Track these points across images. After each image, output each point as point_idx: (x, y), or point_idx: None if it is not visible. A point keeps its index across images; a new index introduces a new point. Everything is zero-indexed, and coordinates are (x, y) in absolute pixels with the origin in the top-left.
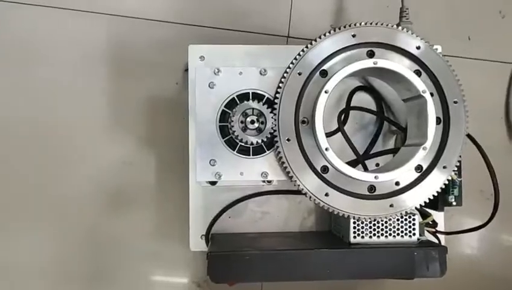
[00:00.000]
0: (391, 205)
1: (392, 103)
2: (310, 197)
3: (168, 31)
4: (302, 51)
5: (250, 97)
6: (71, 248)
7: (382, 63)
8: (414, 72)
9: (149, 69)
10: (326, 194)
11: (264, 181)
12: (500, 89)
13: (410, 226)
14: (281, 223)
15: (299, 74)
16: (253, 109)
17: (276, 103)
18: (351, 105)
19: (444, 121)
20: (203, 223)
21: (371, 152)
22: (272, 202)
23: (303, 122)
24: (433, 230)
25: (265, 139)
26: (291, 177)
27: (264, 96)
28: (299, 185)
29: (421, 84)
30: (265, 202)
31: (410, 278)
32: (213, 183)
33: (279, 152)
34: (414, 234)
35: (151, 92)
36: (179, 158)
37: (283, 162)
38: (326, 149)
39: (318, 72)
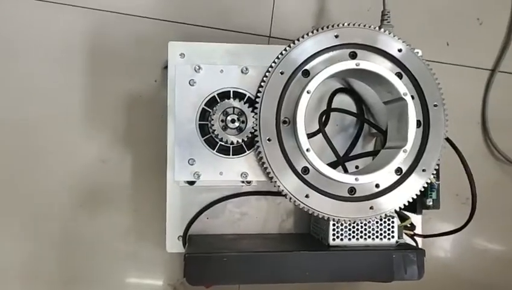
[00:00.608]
0: (371, 207)
1: (373, 105)
2: (290, 198)
3: (149, 27)
4: (285, 50)
5: (231, 96)
6: (43, 248)
7: (364, 64)
8: (395, 74)
9: (127, 66)
10: (307, 196)
11: (243, 182)
12: (476, 95)
13: (389, 229)
14: (260, 224)
15: (281, 73)
16: (234, 107)
17: (258, 102)
18: (332, 107)
19: (424, 124)
20: (180, 224)
21: (351, 154)
22: (250, 203)
23: (284, 122)
24: (411, 233)
25: (245, 139)
26: (271, 177)
27: (245, 95)
28: (279, 186)
29: (402, 86)
30: (244, 203)
31: (388, 281)
32: (191, 183)
33: (259, 152)
34: (393, 237)
35: (129, 89)
36: (156, 157)
37: (263, 163)
38: (307, 150)
39: (300, 72)
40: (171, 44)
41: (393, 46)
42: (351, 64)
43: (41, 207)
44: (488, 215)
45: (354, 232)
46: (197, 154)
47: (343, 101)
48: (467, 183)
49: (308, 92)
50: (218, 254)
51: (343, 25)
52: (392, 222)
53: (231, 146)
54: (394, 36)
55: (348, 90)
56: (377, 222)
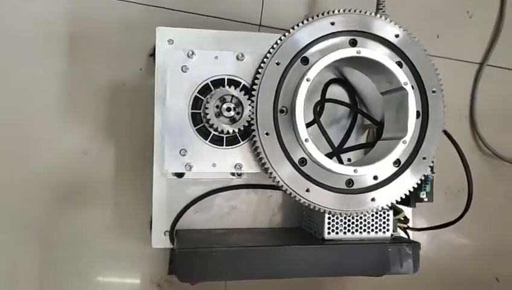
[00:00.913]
0: (373, 199)
1: (366, 96)
2: (290, 193)
3: (134, 12)
4: (283, 37)
5: (226, 83)
6: (21, 244)
7: (365, 52)
8: (396, 63)
9: (111, 52)
10: (307, 190)
11: (233, 174)
12: (465, 89)
13: (384, 222)
14: (250, 218)
15: (278, 62)
16: (230, 95)
17: (254, 90)
18: (326, 98)
19: (423, 112)
20: (166, 219)
21: (345, 146)
22: (240, 197)
23: (281, 111)
24: (405, 226)
25: (241, 128)
26: (267, 169)
27: (241, 83)
28: (276, 179)
29: (402, 76)
30: (233, 197)
31: (381, 275)
32: (180, 175)
33: (255, 143)
34: (388, 230)
35: (113, 77)
36: (140, 149)
37: (259, 154)
38: (305, 140)
39: (299, 60)
40: (159, 29)
41: (390, 31)
42: (351, 51)
43: (19, 202)
44: (472, 209)
45: (349, 225)
46: (189, 144)
47: (336, 92)
48: (454, 176)
49: (307, 80)
50: (208, 249)
51: (338, 11)
52: (388, 215)
53: (225, 136)
54: (391, 21)
55: (342, 80)
56: (372, 215)
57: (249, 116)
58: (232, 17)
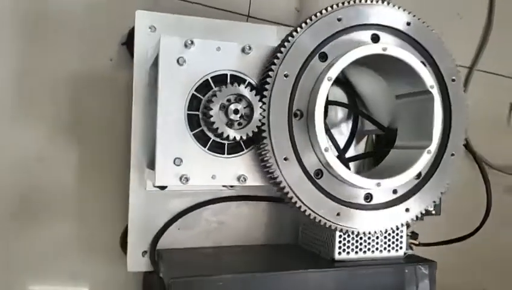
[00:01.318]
0: (394, 216)
1: (369, 99)
2: (320, 220)
3: None
4: (300, 28)
5: (228, 80)
6: None
7: (392, 50)
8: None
9: (76, 40)
10: (338, 214)
11: (224, 185)
12: None
13: (397, 239)
14: (240, 234)
15: (293, 59)
16: (239, 96)
17: (265, 90)
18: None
19: (445, 115)
20: (145, 237)
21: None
22: (230, 210)
23: (295, 115)
24: (416, 242)
25: (250, 134)
26: (279, 184)
27: (245, 80)
28: (296, 203)
29: (429, 78)
30: (222, 210)
31: None
32: (163, 187)
33: (264, 151)
34: (401, 248)
35: (77, 68)
36: (111, 154)
37: (269, 166)
38: (325, 149)
39: (317, 56)
40: (139, 13)
41: (401, 19)
42: (376, 49)
43: None
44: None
45: (360, 244)
46: (184, 152)
47: (336, 94)
48: None
49: (329, 79)
50: (211, 277)
51: (348, 2)
52: (401, 232)
53: (226, 143)
54: (399, 8)
55: (342, 82)
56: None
57: (260, 120)
58: (220, 5)
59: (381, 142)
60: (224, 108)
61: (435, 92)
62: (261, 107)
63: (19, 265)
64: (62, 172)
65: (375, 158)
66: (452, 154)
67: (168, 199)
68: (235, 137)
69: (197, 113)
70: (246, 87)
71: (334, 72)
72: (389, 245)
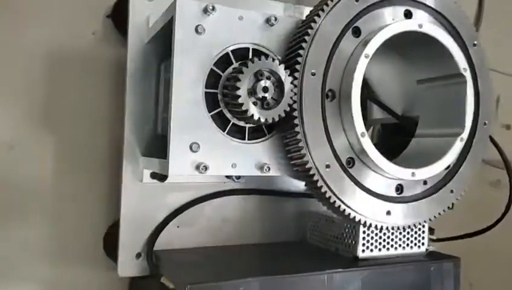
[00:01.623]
0: (425, 209)
1: (378, 85)
2: (349, 213)
3: None
4: (330, 1)
5: (250, 55)
6: None
7: (428, 28)
8: None
9: (53, 10)
10: (388, 213)
11: (229, 177)
12: None
13: (419, 235)
14: (244, 232)
15: (327, 32)
16: (270, 71)
17: (298, 71)
18: None
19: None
20: (139, 237)
21: None
22: (232, 205)
23: (327, 96)
24: (434, 237)
25: (282, 116)
26: (312, 176)
27: (268, 56)
28: (330, 197)
29: (463, 60)
30: (224, 206)
31: None
32: (162, 178)
33: (295, 138)
34: (423, 244)
35: (54, 42)
36: (94, 141)
37: (302, 156)
38: (362, 134)
39: (350, 30)
40: None
41: None
42: (412, 25)
43: None
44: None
45: (384, 241)
46: (202, 136)
47: None
48: None
49: (366, 57)
50: (231, 282)
51: None
52: (423, 227)
53: (247, 127)
54: None
55: None
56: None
57: (290, 101)
58: None
59: (388, 132)
60: (251, 86)
61: (468, 76)
62: (292, 83)
63: None
64: (36, 163)
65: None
66: (480, 142)
67: (165, 192)
68: (266, 119)
69: (215, 91)
70: (283, 64)
71: (371, 49)
72: (411, 241)
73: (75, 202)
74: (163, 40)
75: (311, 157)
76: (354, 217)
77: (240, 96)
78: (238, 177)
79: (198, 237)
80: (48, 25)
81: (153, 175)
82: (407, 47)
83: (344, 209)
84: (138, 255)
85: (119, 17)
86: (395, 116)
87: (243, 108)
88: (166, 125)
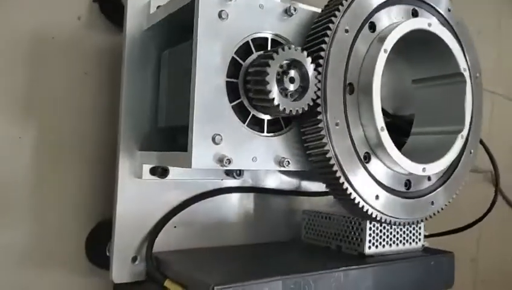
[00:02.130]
0: (432, 203)
1: None
2: (359, 203)
3: None
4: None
5: (269, 44)
6: None
7: (436, 28)
8: None
9: None
10: (377, 197)
11: (228, 174)
12: None
13: (417, 231)
14: (242, 232)
15: (347, 28)
16: (295, 62)
17: (319, 64)
18: None
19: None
20: (134, 239)
21: None
22: (230, 204)
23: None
24: (426, 233)
25: (306, 108)
26: (335, 172)
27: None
28: (345, 187)
29: (463, 60)
30: (222, 205)
31: None
32: (163, 173)
33: (317, 131)
34: (420, 240)
35: (37, 27)
36: (80, 133)
37: (325, 151)
38: (381, 129)
39: (367, 25)
40: None
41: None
42: (422, 23)
43: None
44: None
45: (387, 237)
46: (224, 127)
47: None
48: None
49: (385, 52)
50: (257, 282)
51: None
52: (421, 223)
53: (266, 120)
54: None
55: None
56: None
57: (317, 91)
58: None
59: None
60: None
61: (467, 75)
62: (316, 77)
63: None
64: (17, 158)
65: None
66: (474, 140)
67: (163, 190)
68: (291, 110)
69: (236, 81)
70: (310, 57)
71: (389, 44)
72: (410, 237)
73: (59, 201)
74: (167, 27)
75: (332, 147)
76: (368, 211)
77: (269, 87)
78: (239, 174)
79: (195, 238)
80: (30, 7)
81: (153, 171)
82: (407, 47)
83: (359, 202)
84: (134, 259)
85: (106, 1)
86: (386, 115)
87: (270, 97)
88: (172, 116)
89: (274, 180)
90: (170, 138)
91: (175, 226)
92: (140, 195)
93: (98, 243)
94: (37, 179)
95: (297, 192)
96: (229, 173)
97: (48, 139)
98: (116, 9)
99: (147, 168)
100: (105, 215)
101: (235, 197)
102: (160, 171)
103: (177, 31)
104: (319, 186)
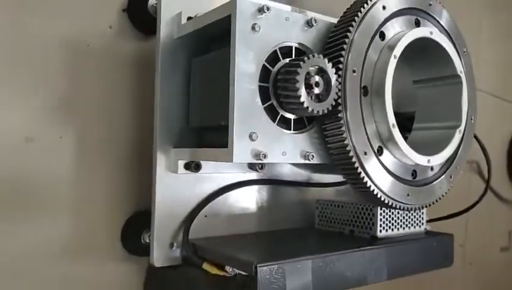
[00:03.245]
0: (434, 191)
1: None
2: (373, 190)
3: None
4: (366, 5)
5: (293, 52)
6: None
7: (437, 36)
8: None
9: (69, 2)
10: (388, 185)
11: (251, 168)
12: None
13: (420, 216)
14: (262, 220)
15: (362, 36)
16: (320, 68)
17: (339, 69)
18: None
19: None
20: (170, 227)
21: None
22: (252, 196)
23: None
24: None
25: (326, 110)
26: (353, 163)
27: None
28: (362, 177)
29: (459, 64)
30: (244, 197)
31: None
32: (197, 168)
33: (338, 127)
34: (423, 224)
35: (72, 35)
36: (113, 134)
37: (345, 145)
38: (393, 125)
39: (378, 34)
40: None
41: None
42: (425, 32)
43: None
44: None
45: (395, 221)
46: (258, 126)
47: None
48: None
49: (395, 57)
50: (291, 261)
51: None
52: (423, 208)
53: (293, 118)
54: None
55: None
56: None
57: (337, 93)
58: None
59: None
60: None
61: (463, 77)
62: (337, 80)
63: None
64: (55, 155)
65: None
66: (469, 134)
67: (195, 183)
68: (318, 111)
69: (267, 85)
70: (331, 62)
71: (398, 51)
72: (414, 221)
73: (96, 196)
74: (196, 37)
75: (351, 141)
76: (381, 197)
77: (299, 90)
78: (261, 167)
79: (221, 227)
80: (66, 16)
81: (187, 166)
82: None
83: (373, 190)
84: (171, 245)
85: (134, 11)
86: None
87: (302, 101)
88: (204, 117)
89: (286, 173)
90: (199, 136)
91: (205, 216)
92: (176, 188)
93: (132, 232)
94: (76, 175)
95: (312, 183)
96: (252, 167)
97: (85, 139)
98: (143, 18)
99: (181, 163)
100: (138, 207)
101: (254, 188)
102: (194, 166)
103: (205, 40)
104: (324, 178)
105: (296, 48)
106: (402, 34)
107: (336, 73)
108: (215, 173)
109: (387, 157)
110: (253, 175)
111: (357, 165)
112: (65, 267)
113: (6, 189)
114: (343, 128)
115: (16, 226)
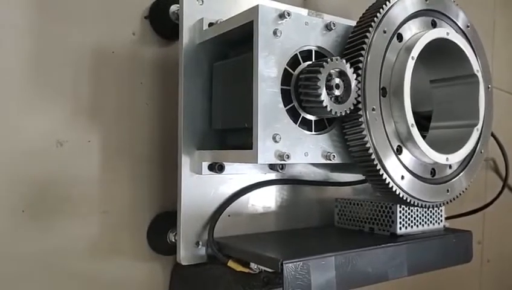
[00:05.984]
0: (447, 191)
1: None
2: (392, 187)
3: None
4: (382, 9)
5: (313, 56)
6: None
7: (453, 36)
8: None
9: (96, 10)
10: (402, 177)
11: (272, 168)
12: None
13: (438, 213)
14: (284, 219)
15: (381, 38)
16: (339, 71)
17: (358, 71)
18: None
19: None
20: (196, 226)
21: None
22: (273, 195)
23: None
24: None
25: (348, 111)
26: (372, 160)
27: (326, 57)
28: (378, 170)
29: (476, 63)
30: (265, 196)
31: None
32: (220, 170)
33: (357, 128)
34: (442, 221)
35: (97, 42)
36: (138, 137)
37: (365, 143)
38: (412, 125)
39: (395, 36)
40: None
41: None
42: (442, 33)
43: None
44: None
45: (414, 219)
46: (281, 128)
47: None
48: None
49: (413, 58)
50: (316, 258)
51: None
52: (442, 205)
53: (313, 120)
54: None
55: None
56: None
57: (358, 94)
58: None
59: None
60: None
61: (480, 76)
62: (356, 79)
63: (30, 268)
64: (84, 158)
65: None
66: (486, 132)
67: (218, 184)
68: (338, 113)
69: (288, 88)
70: (349, 63)
71: (416, 52)
72: (433, 219)
73: (123, 196)
74: (217, 42)
75: (371, 140)
76: (400, 194)
77: (320, 92)
78: (282, 168)
79: (244, 226)
80: (93, 25)
81: (210, 167)
82: (428, 52)
83: (392, 187)
84: (197, 243)
85: (155, 19)
86: None
87: (323, 103)
88: (227, 120)
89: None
90: (221, 138)
91: (229, 215)
92: (200, 188)
93: (158, 232)
94: (103, 177)
95: (331, 183)
96: (273, 168)
97: (111, 142)
98: (165, 25)
99: (205, 165)
100: (164, 207)
101: (274, 188)
102: (218, 167)
103: (225, 45)
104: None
105: (315, 51)
106: (419, 35)
107: (355, 73)
108: (237, 174)
109: (406, 156)
110: (272, 175)
111: (377, 164)
112: (93, 265)
113: (40, 189)
114: (363, 129)
115: (48, 224)
